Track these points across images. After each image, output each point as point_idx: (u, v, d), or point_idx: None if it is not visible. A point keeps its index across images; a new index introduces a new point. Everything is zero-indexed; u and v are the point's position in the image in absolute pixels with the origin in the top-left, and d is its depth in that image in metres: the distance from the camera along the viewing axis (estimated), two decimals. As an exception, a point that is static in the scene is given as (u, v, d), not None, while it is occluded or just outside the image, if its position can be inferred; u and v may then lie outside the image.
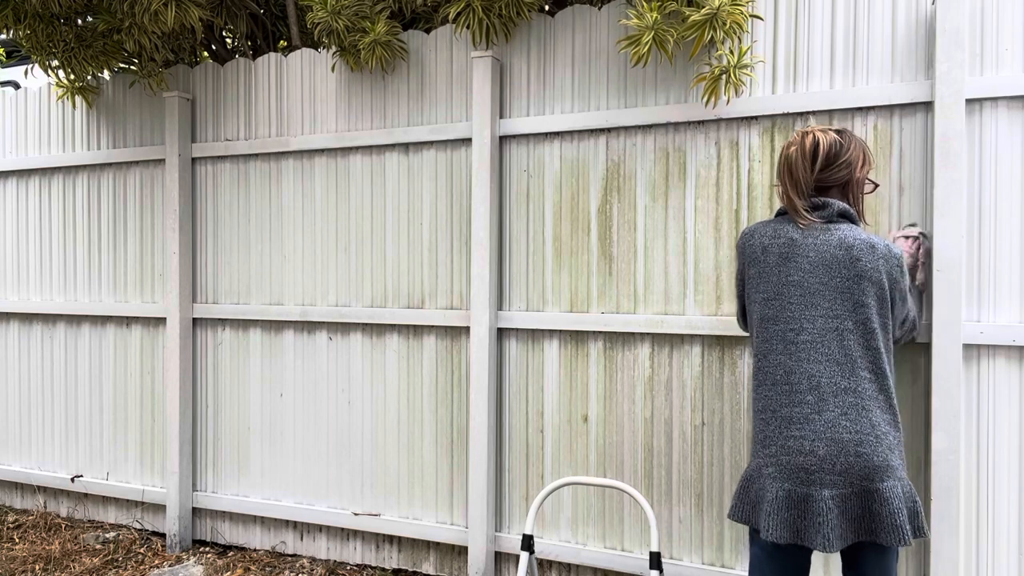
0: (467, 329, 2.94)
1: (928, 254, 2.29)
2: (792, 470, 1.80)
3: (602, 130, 2.74)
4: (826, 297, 1.84)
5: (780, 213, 2.01)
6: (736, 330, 2.51)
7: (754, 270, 1.97)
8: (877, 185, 2.16)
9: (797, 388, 1.83)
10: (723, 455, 2.57)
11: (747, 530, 2.52)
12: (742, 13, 2.38)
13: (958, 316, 2.22)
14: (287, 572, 3.16)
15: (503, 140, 2.89)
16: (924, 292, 2.31)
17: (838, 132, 1.96)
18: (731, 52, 2.43)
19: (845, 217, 1.92)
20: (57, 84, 3.56)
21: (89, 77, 3.59)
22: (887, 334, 1.86)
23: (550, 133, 2.81)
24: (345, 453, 3.19)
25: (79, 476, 3.73)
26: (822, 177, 1.93)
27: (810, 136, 1.94)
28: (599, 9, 2.74)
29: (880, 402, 1.81)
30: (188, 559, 3.31)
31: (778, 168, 1.99)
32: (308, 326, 3.25)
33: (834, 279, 1.84)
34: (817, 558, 2.46)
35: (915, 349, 2.34)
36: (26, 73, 3.82)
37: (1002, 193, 2.25)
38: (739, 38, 2.50)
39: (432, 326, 3.01)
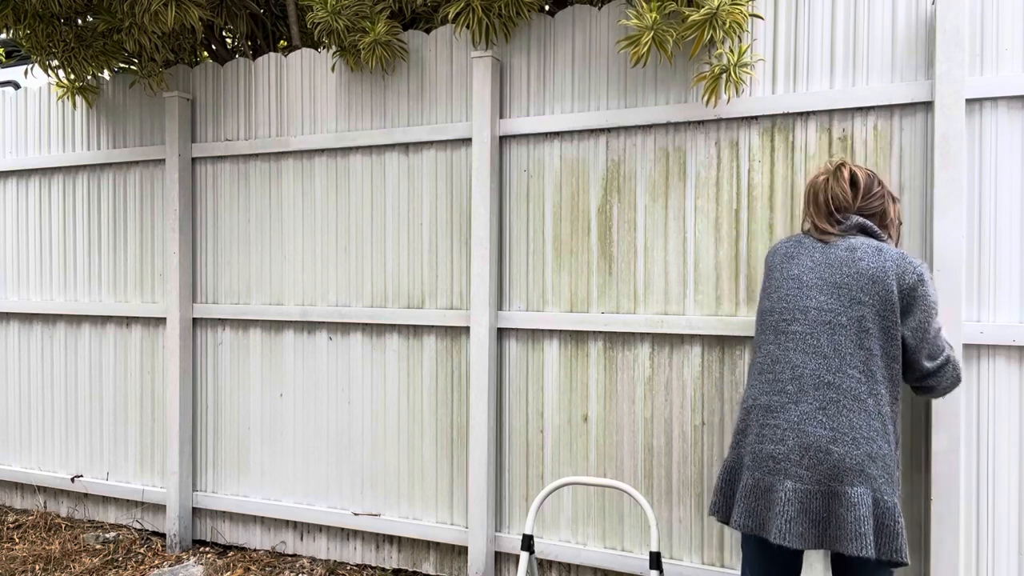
0: (467, 329, 2.94)
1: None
2: (762, 458, 1.78)
3: (602, 130, 2.74)
4: (822, 291, 1.82)
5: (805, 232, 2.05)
6: (736, 330, 2.51)
7: (767, 275, 2.00)
8: (901, 223, 2.19)
9: (780, 377, 1.81)
10: (723, 455, 2.57)
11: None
12: (742, 12, 2.38)
13: (958, 316, 2.22)
14: (287, 572, 3.16)
15: (503, 140, 2.89)
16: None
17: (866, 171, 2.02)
18: (731, 51, 2.43)
19: (863, 231, 1.93)
20: (57, 84, 3.56)
21: (89, 77, 3.59)
22: (889, 338, 1.78)
23: (550, 133, 2.81)
24: (345, 453, 3.18)
25: (79, 476, 3.73)
26: (862, 205, 1.95)
27: (846, 168, 1.97)
28: (599, 9, 2.74)
29: (868, 405, 1.73)
30: (188, 559, 3.31)
31: (805, 198, 2.01)
32: (308, 326, 3.25)
33: (833, 275, 1.83)
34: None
35: (915, 349, 2.34)
36: (26, 73, 3.83)
37: (1002, 193, 2.25)
38: (739, 37, 2.50)
39: (432, 326, 3.01)
